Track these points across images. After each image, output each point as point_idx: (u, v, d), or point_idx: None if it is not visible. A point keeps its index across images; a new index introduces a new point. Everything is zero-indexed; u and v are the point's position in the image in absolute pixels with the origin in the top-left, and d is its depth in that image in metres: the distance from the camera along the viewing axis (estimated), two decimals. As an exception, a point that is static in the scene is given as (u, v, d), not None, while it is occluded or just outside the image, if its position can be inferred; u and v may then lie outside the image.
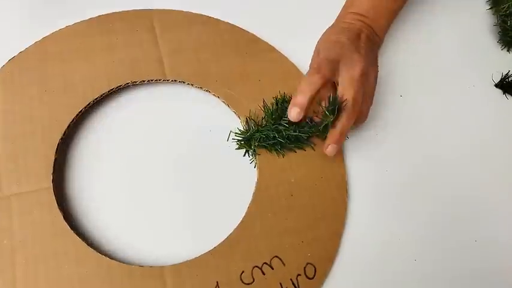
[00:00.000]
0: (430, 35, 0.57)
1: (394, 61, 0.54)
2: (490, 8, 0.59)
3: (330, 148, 0.44)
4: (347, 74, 0.43)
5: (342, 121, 0.43)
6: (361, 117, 0.45)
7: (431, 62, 0.56)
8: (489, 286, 0.45)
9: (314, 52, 0.47)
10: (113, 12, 0.51)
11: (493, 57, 0.56)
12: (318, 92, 0.44)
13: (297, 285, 0.42)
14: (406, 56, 0.55)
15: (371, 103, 0.46)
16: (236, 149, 0.46)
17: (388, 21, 0.50)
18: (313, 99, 0.44)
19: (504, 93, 0.54)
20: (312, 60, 0.47)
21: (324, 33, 0.48)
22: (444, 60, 0.56)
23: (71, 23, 0.49)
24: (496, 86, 0.55)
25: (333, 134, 0.44)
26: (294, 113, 0.44)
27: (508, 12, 0.56)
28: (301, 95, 0.43)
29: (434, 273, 0.45)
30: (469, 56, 0.56)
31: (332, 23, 0.49)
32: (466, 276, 0.45)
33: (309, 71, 0.45)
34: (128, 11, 0.51)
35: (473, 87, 0.54)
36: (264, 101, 0.47)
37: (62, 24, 0.48)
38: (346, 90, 0.43)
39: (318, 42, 0.47)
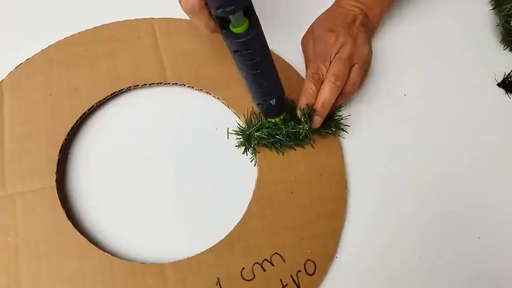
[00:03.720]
0: (433, 35, 0.58)
1: (398, 61, 0.55)
2: (492, 9, 0.60)
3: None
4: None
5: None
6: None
7: (435, 61, 0.56)
8: (492, 282, 0.45)
9: (307, 33, 0.51)
10: (116, 21, 0.52)
11: (496, 57, 0.57)
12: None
13: (297, 282, 0.42)
14: (409, 55, 0.56)
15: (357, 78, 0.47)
16: (236, 146, 0.47)
17: (383, 10, 0.52)
18: None
19: (506, 92, 0.55)
20: (305, 51, 0.50)
21: (321, 16, 0.50)
22: (447, 60, 0.56)
23: (75, 32, 0.51)
24: (499, 85, 0.55)
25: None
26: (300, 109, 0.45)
27: (510, 12, 0.56)
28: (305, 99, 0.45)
29: (438, 270, 0.45)
30: (471, 55, 0.57)
31: (329, 6, 0.52)
32: (469, 275, 0.45)
33: (307, 75, 0.46)
34: (130, 19, 0.53)
35: (476, 86, 0.55)
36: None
37: (67, 33, 0.50)
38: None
39: (314, 23, 0.50)
